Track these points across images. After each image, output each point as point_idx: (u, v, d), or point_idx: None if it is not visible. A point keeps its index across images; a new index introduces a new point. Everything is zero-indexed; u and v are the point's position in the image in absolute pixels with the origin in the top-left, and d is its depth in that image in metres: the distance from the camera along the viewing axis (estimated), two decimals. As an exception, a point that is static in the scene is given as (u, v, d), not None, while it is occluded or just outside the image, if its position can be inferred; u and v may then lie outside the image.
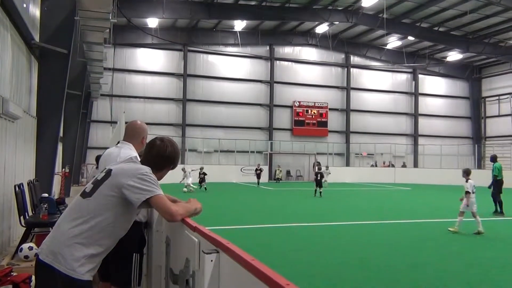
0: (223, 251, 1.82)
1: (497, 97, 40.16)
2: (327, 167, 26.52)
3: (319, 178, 19.70)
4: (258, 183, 27.26)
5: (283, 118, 36.33)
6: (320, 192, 19.31)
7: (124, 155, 3.38)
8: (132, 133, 3.79)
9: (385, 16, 29.30)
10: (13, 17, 8.01)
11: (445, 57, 38.79)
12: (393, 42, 36.31)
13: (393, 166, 36.64)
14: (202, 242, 2.06)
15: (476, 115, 41.64)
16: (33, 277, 4.63)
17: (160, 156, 2.80)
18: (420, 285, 5.91)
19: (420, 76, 40.29)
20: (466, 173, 10.35)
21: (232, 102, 34.68)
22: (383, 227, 10.89)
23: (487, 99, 41.39)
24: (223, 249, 1.83)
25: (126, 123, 4.59)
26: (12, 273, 5.00)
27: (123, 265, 3.46)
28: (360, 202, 18.13)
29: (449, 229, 10.02)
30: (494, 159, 14.69)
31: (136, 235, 3.53)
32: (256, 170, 27.79)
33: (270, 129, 35.68)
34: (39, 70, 10.75)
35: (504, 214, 13.37)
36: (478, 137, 41.06)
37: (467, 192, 9.98)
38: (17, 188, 7.08)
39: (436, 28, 32.65)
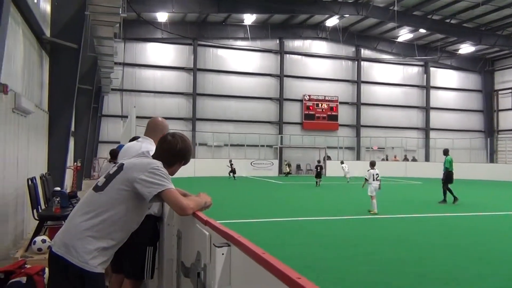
0: (234, 245, 1.83)
1: (510, 90, 39.57)
2: (342, 162, 26.17)
3: (319, 170, 22.21)
4: (234, 177, 26.74)
5: (293, 112, 36.22)
6: (317, 182, 21.69)
7: (145, 150, 3.43)
8: (154, 128, 3.91)
9: (396, 8, 28.97)
10: (24, 12, 8.07)
11: (457, 50, 38.29)
12: (404, 34, 35.88)
13: (407, 160, 36.33)
14: (213, 235, 2.06)
15: (489, 108, 41.11)
16: (47, 269, 4.69)
17: (171, 152, 2.81)
18: (428, 278, 5.87)
19: (431, 69, 39.83)
20: (371, 164, 12.49)
21: (242, 96, 34.63)
22: (390, 221, 10.84)
23: (499, 92, 40.81)
24: (234, 242, 1.83)
25: (136, 117, 4.63)
26: (26, 265, 5.07)
27: (137, 258, 3.52)
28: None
29: (369, 210, 11.87)
30: (446, 152, 15.34)
31: (150, 229, 3.58)
32: (231, 165, 27.46)
33: (280, 123, 35.61)
34: (50, 65, 10.84)
35: (458, 199, 14.34)
36: (490, 130, 40.55)
37: (365, 180, 12.23)
38: (29, 182, 7.15)
39: (448, 20, 32.21)
